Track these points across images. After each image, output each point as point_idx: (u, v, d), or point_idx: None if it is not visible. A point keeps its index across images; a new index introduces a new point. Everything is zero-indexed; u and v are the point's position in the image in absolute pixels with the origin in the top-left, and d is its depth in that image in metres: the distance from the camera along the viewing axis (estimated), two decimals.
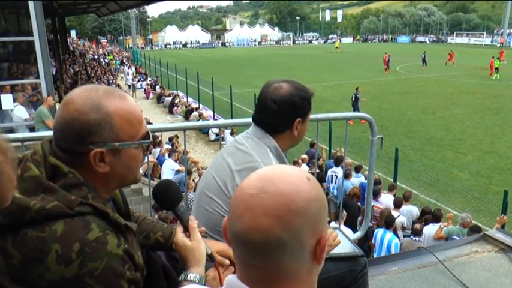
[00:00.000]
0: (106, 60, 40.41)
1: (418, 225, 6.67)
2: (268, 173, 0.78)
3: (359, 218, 7.15)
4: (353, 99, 17.72)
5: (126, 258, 1.01)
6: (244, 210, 0.75)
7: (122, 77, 32.31)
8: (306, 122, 1.78)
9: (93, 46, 60.88)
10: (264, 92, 1.75)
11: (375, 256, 6.11)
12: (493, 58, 29.36)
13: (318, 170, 7.58)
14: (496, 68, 28.86)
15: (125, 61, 39.30)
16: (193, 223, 1.30)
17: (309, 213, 0.74)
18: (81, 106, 1.01)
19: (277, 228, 0.72)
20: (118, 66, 36.24)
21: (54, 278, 0.93)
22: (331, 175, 9.07)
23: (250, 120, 1.86)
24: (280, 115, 1.70)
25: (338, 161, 9.05)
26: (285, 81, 1.75)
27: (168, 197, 1.31)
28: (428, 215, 7.05)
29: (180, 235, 1.30)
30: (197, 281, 1.21)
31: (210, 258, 1.31)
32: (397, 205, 7.42)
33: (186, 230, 1.31)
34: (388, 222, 6.40)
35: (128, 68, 31.44)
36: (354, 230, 5.72)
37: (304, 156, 10.03)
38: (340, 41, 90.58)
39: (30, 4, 7.72)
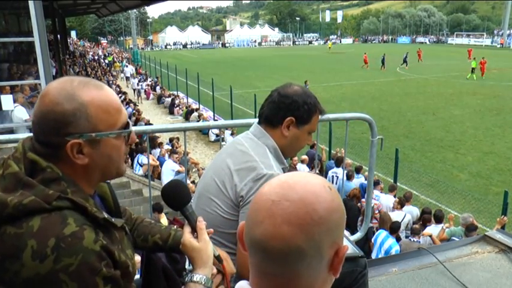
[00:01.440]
0: (106, 61, 40.29)
1: (417, 226, 6.66)
2: (290, 180, 0.77)
3: (359, 219, 7.15)
4: None
5: (104, 255, 0.98)
6: (265, 216, 0.73)
7: (122, 78, 32.24)
8: (302, 131, 1.76)
9: (96, 48, 60.37)
10: (278, 86, 1.82)
11: (372, 257, 6.09)
12: (483, 59, 29.54)
13: (318, 172, 7.57)
14: (473, 68, 29.29)
15: (124, 62, 39.14)
16: (201, 224, 1.29)
17: (329, 223, 0.74)
18: (56, 97, 0.99)
19: (298, 237, 0.71)
20: (124, 68, 35.32)
21: (29, 274, 0.91)
22: (332, 176, 9.06)
23: (250, 121, 1.87)
24: (276, 105, 1.73)
25: (339, 162, 9.05)
26: (301, 86, 1.79)
27: (176, 197, 1.30)
28: (428, 215, 7.05)
29: (187, 236, 1.28)
30: (203, 283, 1.20)
31: (218, 259, 1.31)
32: (402, 204, 7.42)
33: (194, 231, 1.30)
34: (393, 228, 6.37)
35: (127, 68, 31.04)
36: (354, 231, 5.71)
37: (305, 157, 10.02)
38: (341, 41, 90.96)
39: (31, 4, 7.71)
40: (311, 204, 0.73)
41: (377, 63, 36.34)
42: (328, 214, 0.74)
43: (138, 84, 24.57)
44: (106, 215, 1.06)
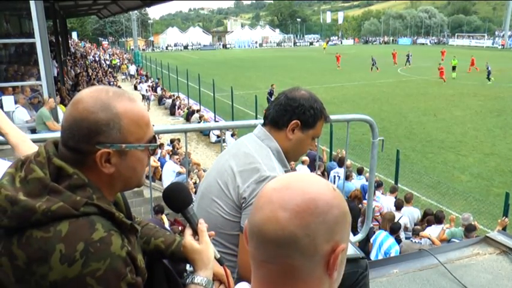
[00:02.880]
0: (107, 62, 40.33)
1: (419, 227, 6.65)
2: (297, 175, 0.81)
3: (359, 219, 7.14)
4: (268, 94, 18.66)
5: (129, 261, 1.01)
6: (264, 202, 0.77)
7: (123, 79, 32.27)
8: (306, 136, 1.77)
9: (97, 49, 60.53)
10: (286, 90, 1.83)
11: (371, 258, 6.08)
12: (440, 66, 29.67)
13: (319, 173, 7.57)
14: (454, 67, 29.92)
15: (126, 62, 39.18)
16: (202, 226, 1.30)
17: (327, 217, 0.75)
18: (91, 106, 1.01)
19: (293, 224, 0.73)
20: (129, 67, 34.67)
21: (56, 278, 0.93)
22: (334, 176, 9.07)
23: (251, 122, 1.87)
24: (282, 107, 1.74)
25: (341, 162, 9.06)
26: (308, 91, 1.80)
27: (178, 199, 1.31)
28: (431, 216, 7.04)
29: (188, 238, 1.29)
30: (204, 284, 1.21)
31: (219, 262, 1.31)
32: (398, 207, 7.41)
33: (195, 233, 1.30)
34: (393, 228, 6.36)
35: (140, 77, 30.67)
36: (355, 233, 5.70)
37: (305, 158, 10.02)
38: (342, 42, 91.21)
39: (32, 6, 7.72)
40: (311, 196, 0.75)
41: (377, 65, 36.36)
42: (327, 208, 0.75)
43: (147, 91, 23.52)
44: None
